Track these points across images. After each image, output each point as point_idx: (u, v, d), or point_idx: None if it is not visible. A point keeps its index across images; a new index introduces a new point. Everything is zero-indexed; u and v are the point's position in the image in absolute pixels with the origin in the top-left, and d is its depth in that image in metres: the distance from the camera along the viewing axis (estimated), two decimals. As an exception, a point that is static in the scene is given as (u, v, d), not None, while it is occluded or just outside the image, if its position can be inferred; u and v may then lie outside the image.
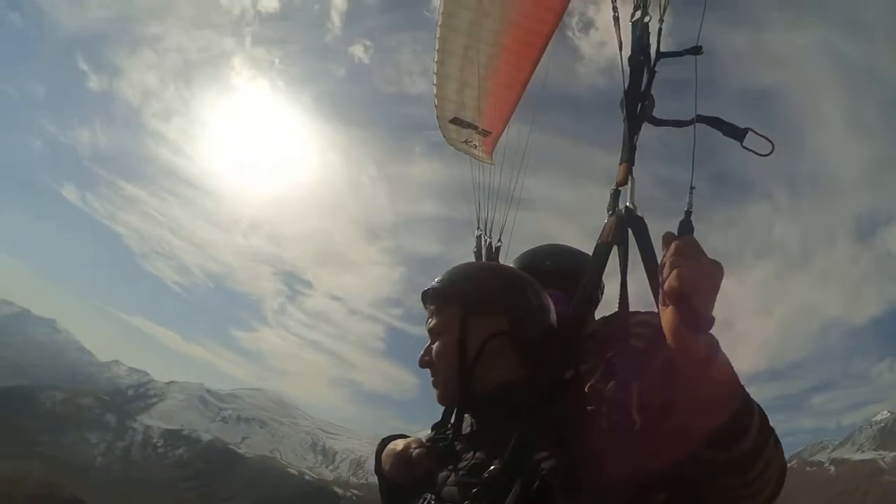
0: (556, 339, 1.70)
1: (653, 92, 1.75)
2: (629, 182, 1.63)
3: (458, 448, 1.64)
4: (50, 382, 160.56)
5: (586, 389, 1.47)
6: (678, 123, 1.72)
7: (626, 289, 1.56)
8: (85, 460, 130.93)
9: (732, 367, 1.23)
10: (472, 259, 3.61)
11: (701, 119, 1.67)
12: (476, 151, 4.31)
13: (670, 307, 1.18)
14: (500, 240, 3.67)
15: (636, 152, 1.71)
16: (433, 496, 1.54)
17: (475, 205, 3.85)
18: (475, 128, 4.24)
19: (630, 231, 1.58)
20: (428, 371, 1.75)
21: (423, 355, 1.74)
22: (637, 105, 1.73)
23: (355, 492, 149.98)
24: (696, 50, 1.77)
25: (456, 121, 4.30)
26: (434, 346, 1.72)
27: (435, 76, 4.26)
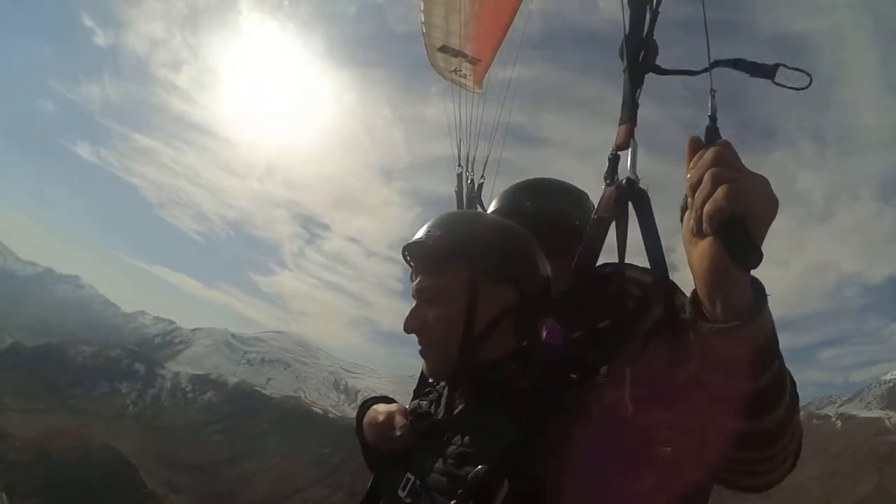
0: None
1: (657, 37, 1.48)
2: (630, 146, 1.42)
3: (444, 428, 1.46)
4: (78, 337, 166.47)
5: (580, 373, 1.35)
6: (690, 72, 1.43)
7: (623, 271, 1.43)
8: (116, 410, 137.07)
9: (773, 321, 1.02)
10: (454, 199, 3.52)
11: (718, 63, 1.36)
12: (465, 81, 4.20)
13: (711, 238, 0.93)
14: (483, 176, 3.52)
15: (638, 110, 1.47)
16: (418, 480, 1.40)
17: (456, 139, 3.75)
18: (464, 56, 4.12)
19: (630, 205, 1.39)
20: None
21: (410, 319, 1.53)
22: (639, 53, 1.48)
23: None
24: None
25: (444, 49, 4.16)
26: (429, 313, 1.51)
27: (421, 2, 4.05)
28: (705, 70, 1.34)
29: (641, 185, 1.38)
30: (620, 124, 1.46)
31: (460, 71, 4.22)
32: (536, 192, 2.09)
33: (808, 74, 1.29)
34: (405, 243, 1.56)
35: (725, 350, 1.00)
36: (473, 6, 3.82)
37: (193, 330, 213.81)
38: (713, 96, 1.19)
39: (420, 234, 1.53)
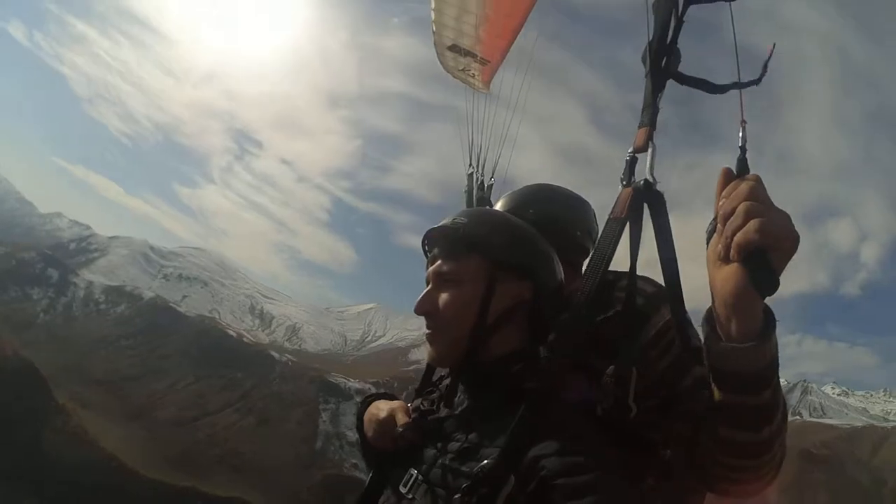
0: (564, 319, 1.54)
1: (679, 45, 1.48)
2: (649, 148, 1.42)
3: (448, 425, 1.49)
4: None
5: (586, 371, 1.41)
6: (710, 87, 1.44)
7: (635, 271, 1.45)
8: (26, 317, 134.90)
9: (777, 344, 1.12)
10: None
11: (739, 85, 1.39)
12: (474, 80, 4.28)
13: (737, 264, 1.04)
14: (492, 178, 3.61)
15: (658, 115, 1.47)
16: (420, 475, 1.41)
17: (468, 141, 3.78)
18: (474, 56, 4.17)
19: (646, 206, 1.40)
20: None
21: (423, 301, 1.56)
22: (662, 59, 1.47)
23: (290, 357, 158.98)
24: None
25: (454, 48, 4.22)
26: (442, 296, 1.54)
27: (433, 1, 4.07)
28: (726, 88, 1.40)
29: (658, 187, 1.41)
30: (640, 127, 1.47)
31: (469, 70, 4.24)
32: (539, 200, 2.16)
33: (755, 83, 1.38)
34: (429, 230, 1.63)
35: (735, 367, 1.12)
36: (485, 9, 3.84)
37: (111, 238, 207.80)
38: (743, 127, 1.24)
39: (445, 221, 1.62)
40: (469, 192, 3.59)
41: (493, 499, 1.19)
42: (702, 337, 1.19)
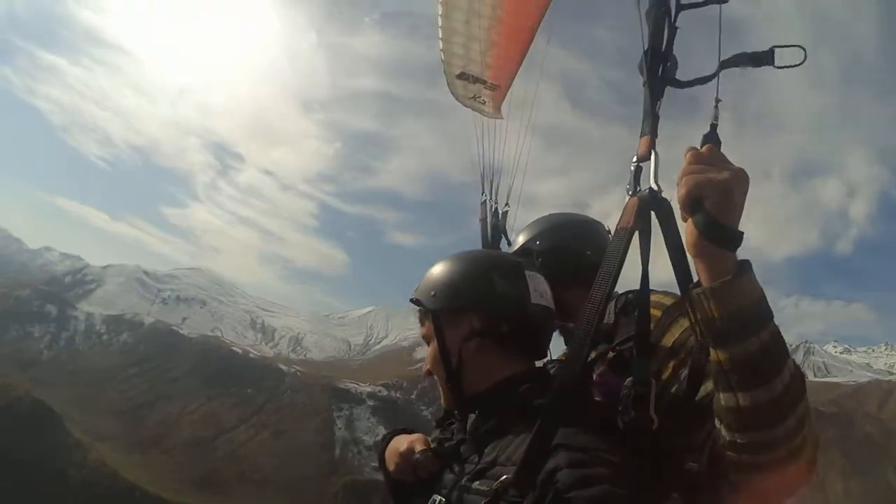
0: (544, 327, 1.71)
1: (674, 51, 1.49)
2: (652, 157, 1.43)
3: (464, 449, 1.59)
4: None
5: (598, 382, 1.47)
6: (703, 80, 1.47)
7: (647, 280, 1.45)
8: (31, 355, 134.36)
9: (762, 293, 1.17)
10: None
11: (725, 64, 1.44)
12: (485, 108, 4.28)
13: (688, 221, 1.17)
14: (507, 204, 3.61)
15: (659, 122, 1.48)
16: (442, 499, 1.49)
17: (480, 169, 3.82)
18: (483, 82, 4.18)
19: (653, 214, 1.40)
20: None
21: (424, 364, 1.74)
22: (659, 67, 1.48)
23: (298, 368, 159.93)
24: None
25: (463, 76, 4.22)
26: (427, 354, 1.72)
27: (440, 30, 4.11)
28: (714, 75, 1.45)
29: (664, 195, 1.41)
30: (642, 136, 1.48)
31: (480, 97, 4.26)
32: (546, 230, 2.30)
33: (802, 48, 1.37)
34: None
35: (711, 312, 1.17)
36: (491, 34, 3.87)
37: (105, 267, 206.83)
38: (717, 105, 1.36)
39: None
40: (484, 221, 3.59)
41: None
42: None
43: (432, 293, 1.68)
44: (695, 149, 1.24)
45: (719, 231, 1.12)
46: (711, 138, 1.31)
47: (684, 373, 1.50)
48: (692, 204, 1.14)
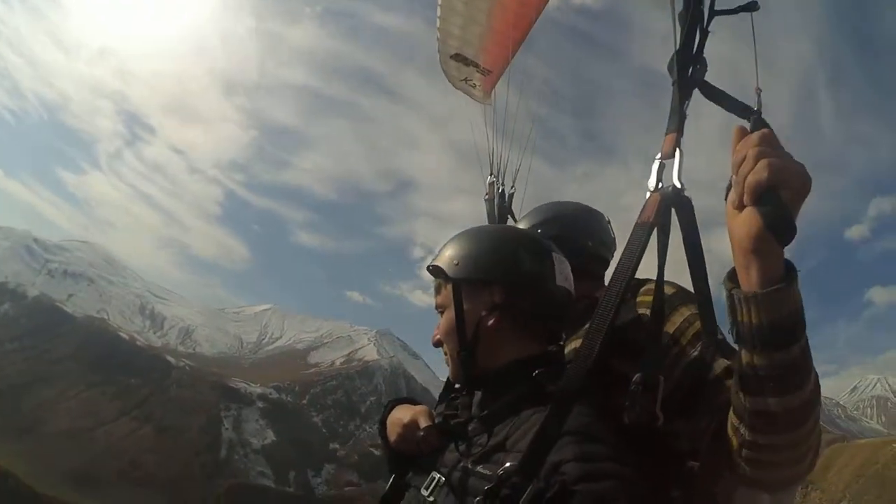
0: (565, 311, 1.65)
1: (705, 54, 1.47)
2: (676, 155, 1.41)
3: (472, 428, 1.55)
4: None
5: (611, 376, 1.41)
6: (729, 106, 1.39)
7: (662, 276, 1.45)
8: None
9: (801, 298, 1.10)
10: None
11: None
12: (475, 91, 4.32)
13: (750, 208, 1.05)
14: (513, 186, 3.59)
15: (685, 121, 1.46)
16: (442, 478, 1.46)
17: (488, 149, 3.76)
18: (476, 66, 4.19)
19: (673, 212, 1.39)
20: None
21: (434, 333, 1.70)
22: (688, 68, 1.47)
23: (187, 361, 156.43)
24: (751, 6, 1.47)
25: (457, 57, 4.20)
26: (439, 325, 1.68)
27: (439, 8, 4.05)
28: (752, 113, 1.33)
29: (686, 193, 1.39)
30: (667, 133, 1.47)
31: (471, 81, 4.26)
32: (547, 220, 2.27)
33: None
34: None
35: (758, 316, 1.09)
36: (491, 20, 3.89)
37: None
38: (759, 93, 1.32)
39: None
40: (490, 201, 3.66)
41: (513, 502, 1.20)
42: (724, 296, 1.19)
43: (455, 262, 1.63)
44: (752, 130, 1.14)
45: (788, 226, 1.01)
46: (763, 124, 1.21)
47: (685, 362, 1.54)
48: (767, 192, 1.02)
